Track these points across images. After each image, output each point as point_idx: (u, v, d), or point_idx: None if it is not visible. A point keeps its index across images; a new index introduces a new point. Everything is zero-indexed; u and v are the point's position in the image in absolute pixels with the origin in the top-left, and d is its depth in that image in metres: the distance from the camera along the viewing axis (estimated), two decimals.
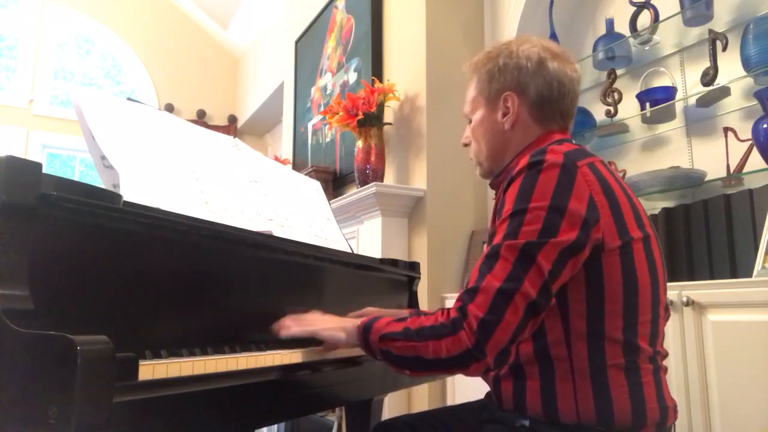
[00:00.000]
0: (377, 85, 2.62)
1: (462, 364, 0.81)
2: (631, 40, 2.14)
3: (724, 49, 1.79)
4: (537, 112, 1.02)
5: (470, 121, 1.10)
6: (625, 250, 0.86)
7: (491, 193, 2.37)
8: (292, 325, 1.01)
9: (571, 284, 0.85)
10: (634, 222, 0.89)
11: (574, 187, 0.84)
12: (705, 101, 1.89)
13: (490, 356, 0.79)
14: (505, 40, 1.08)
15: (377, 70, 2.89)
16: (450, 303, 2.32)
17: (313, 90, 3.75)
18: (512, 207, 0.85)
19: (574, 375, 0.86)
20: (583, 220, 0.83)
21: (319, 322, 1.02)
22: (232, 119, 5.53)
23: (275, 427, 2.65)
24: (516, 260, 0.81)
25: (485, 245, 1.07)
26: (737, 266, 1.58)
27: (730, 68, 1.81)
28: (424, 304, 2.23)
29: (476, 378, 1.02)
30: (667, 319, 0.98)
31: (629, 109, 2.16)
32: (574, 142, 1.02)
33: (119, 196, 0.82)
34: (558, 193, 0.83)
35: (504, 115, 1.03)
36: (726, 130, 1.82)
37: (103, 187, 0.92)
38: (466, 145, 1.13)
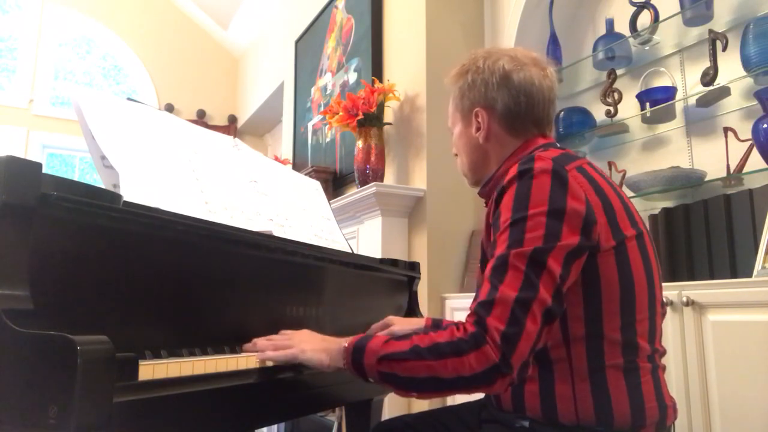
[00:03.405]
0: (377, 85, 2.62)
1: (487, 380, 0.77)
2: (631, 40, 2.14)
3: (724, 49, 1.79)
4: (507, 124, 1.03)
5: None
6: (619, 249, 0.87)
7: None
8: (268, 348, 0.95)
9: (569, 288, 0.85)
10: (626, 220, 0.90)
11: (569, 190, 0.85)
12: (705, 101, 1.89)
13: (515, 369, 0.76)
14: (478, 51, 1.08)
15: (377, 70, 2.89)
16: (450, 303, 2.33)
17: (313, 90, 3.75)
18: (511, 216, 0.85)
19: (572, 377, 0.86)
20: (584, 221, 0.83)
21: (298, 343, 0.95)
22: (232, 119, 5.53)
23: (275, 427, 2.65)
24: (527, 268, 0.79)
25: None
26: (737, 266, 1.58)
27: (730, 68, 1.81)
28: (423, 304, 2.23)
29: None
30: (663, 315, 0.98)
31: (629, 109, 2.16)
32: (558, 145, 1.02)
33: (119, 196, 0.82)
34: (554, 198, 0.84)
35: (477, 129, 1.05)
36: (726, 130, 1.82)
37: (103, 187, 0.92)
38: (456, 155, 1.14)
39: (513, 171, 0.89)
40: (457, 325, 0.81)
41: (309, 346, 0.93)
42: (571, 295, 0.85)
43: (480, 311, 0.79)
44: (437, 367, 0.78)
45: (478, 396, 1.09)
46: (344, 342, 0.90)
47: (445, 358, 0.78)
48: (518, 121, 1.02)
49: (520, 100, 1.01)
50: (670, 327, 1.44)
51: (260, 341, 0.96)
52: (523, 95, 1.01)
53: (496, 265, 0.82)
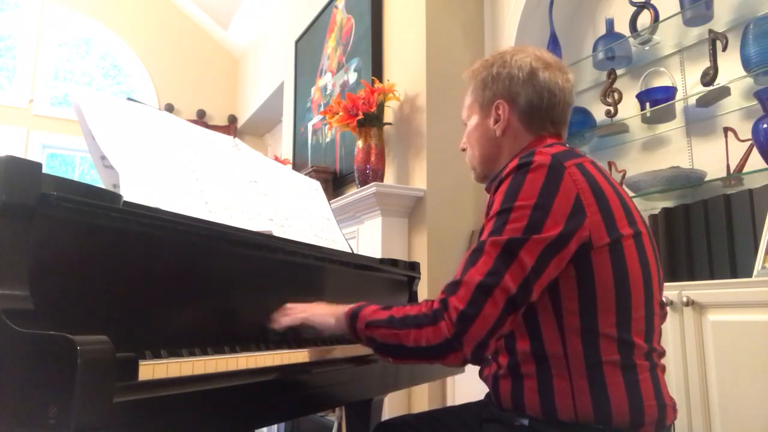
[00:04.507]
0: (377, 85, 2.62)
1: (439, 353, 0.83)
2: (631, 40, 2.14)
3: (724, 49, 1.79)
4: (527, 119, 1.04)
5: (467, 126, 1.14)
6: (614, 246, 0.87)
7: None
8: (280, 316, 1.04)
9: (563, 282, 0.86)
10: (624, 219, 0.90)
11: (561, 186, 0.86)
12: (705, 101, 1.89)
13: (467, 348, 0.81)
14: (502, 48, 1.12)
15: (377, 70, 2.89)
16: None
17: (313, 90, 3.75)
18: (499, 206, 0.88)
19: (570, 373, 0.86)
20: (567, 218, 0.85)
21: (309, 309, 1.04)
22: (232, 119, 5.53)
23: (275, 427, 2.65)
24: (498, 255, 0.83)
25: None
26: (737, 266, 1.58)
27: (730, 68, 1.81)
28: None
29: (476, 378, 1.03)
30: (663, 317, 0.99)
31: (629, 109, 2.16)
32: (567, 145, 1.03)
33: (119, 196, 0.82)
34: (544, 193, 0.85)
35: (495, 121, 1.07)
36: (726, 130, 1.82)
37: (103, 187, 0.92)
38: (464, 149, 1.15)
39: (513, 164, 0.91)
40: (428, 300, 0.87)
41: (318, 310, 1.03)
42: (565, 288, 0.86)
43: (447, 289, 0.85)
44: (402, 336, 0.86)
45: (479, 396, 1.09)
46: (347, 308, 0.98)
47: (409, 329, 0.85)
48: (537, 118, 1.04)
49: (543, 96, 1.03)
50: (670, 327, 1.44)
51: (275, 315, 1.05)
52: (546, 92, 1.03)
53: (473, 250, 0.86)
